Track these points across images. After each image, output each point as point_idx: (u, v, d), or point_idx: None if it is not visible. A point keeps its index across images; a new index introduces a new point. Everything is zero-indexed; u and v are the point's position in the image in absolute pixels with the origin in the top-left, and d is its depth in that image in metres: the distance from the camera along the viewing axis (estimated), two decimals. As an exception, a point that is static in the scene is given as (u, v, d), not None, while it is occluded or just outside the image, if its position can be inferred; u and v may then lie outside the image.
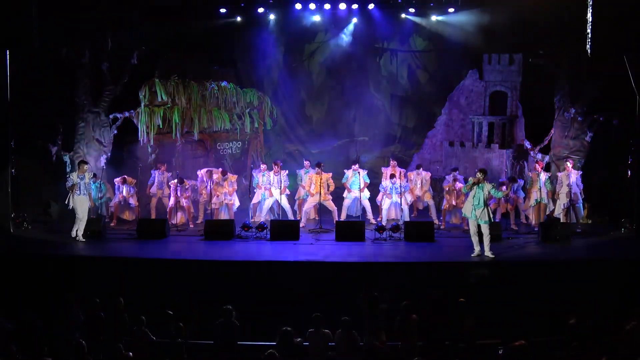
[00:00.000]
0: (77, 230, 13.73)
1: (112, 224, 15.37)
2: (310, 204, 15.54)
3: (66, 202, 13.94)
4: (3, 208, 14.60)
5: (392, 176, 15.39)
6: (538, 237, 14.09)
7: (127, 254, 12.95)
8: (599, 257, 12.84)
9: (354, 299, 9.75)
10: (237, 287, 11.60)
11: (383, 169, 16.29)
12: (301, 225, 14.86)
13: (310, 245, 13.53)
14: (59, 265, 12.19)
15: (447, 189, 15.39)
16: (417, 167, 16.45)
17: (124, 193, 15.47)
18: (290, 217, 15.35)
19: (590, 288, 11.04)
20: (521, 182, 15.56)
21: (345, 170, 15.91)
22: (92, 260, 12.53)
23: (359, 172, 15.37)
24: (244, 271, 12.04)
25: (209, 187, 15.27)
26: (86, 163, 14.16)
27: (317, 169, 15.22)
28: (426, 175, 16.10)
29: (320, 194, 15.01)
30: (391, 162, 16.11)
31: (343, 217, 15.43)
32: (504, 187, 14.03)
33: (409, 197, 15.49)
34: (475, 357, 8.58)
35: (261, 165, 16.10)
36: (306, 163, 16.15)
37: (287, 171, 15.68)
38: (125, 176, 15.65)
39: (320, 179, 15.04)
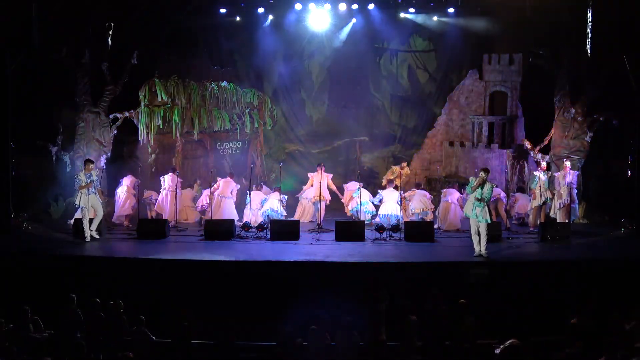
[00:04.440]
0: (89, 229, 13.63)
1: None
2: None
3: (76, 203, 13.72)
4: (3, 208, 14.61)
5: (396, 187, 15.42)
6: (538, 237, 14.10)
7: (127, 254, 12.96)
8: (599, 257, 12.84)
9: (354, 299, 9.74)
10: (237, 287, 11.60)
11: (380, 192, 15.85)
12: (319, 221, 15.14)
13: (310, 245, 13.53)
14: (59, 265, 12.19)
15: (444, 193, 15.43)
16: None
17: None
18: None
19: (590, 288, 11.02)
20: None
21: (347, 186, 16.10)
22: (92, 260, 12.53)
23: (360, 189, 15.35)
24: (244, 271, 12.05)
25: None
26: (92, 162, 13.97)
27: (317, 168, 15.50)
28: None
29: (319, 190, 15.17)
30: (387, 186, 15.75)
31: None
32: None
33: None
34: (475, 357, 8.58)
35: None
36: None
37: (274, 174, 15.81)
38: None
39: (320, 178, 15.24)
